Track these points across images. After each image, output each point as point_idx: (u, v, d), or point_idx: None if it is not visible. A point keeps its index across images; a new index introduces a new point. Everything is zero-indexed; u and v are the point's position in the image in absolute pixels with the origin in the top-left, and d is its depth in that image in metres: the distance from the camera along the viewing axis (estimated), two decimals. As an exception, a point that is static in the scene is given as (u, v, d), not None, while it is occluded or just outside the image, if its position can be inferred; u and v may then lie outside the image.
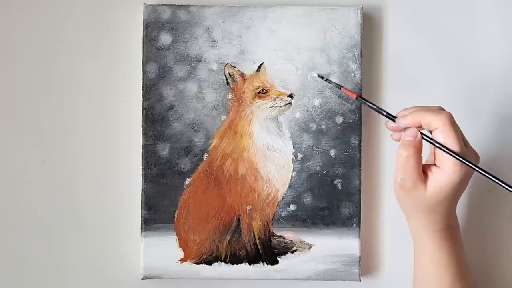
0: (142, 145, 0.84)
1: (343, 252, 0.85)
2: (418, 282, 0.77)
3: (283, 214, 0.85)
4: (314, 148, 0.85)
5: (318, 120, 0.85)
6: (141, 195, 0.84)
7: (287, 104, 0.85)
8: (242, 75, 0.85)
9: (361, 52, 0.85)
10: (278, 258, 0.85)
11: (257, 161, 0.85)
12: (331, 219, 0.85)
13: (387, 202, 0.87)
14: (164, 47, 0.85)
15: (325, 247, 0.85)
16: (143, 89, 0.84)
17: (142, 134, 0.84)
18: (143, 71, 0.84)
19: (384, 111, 0.72)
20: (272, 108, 0.85)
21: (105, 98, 0.86)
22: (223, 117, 0.85)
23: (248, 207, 0.85)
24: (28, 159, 0.86)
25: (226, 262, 0.85)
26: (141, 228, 0.84)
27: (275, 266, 0.85)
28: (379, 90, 0.87)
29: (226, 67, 0.85)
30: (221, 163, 0.85)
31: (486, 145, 0.87)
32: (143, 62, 0.85)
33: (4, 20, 0.86)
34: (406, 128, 0.70)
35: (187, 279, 0.85)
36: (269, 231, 0.85)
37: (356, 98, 0.74)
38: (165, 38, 0.85)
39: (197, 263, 0.85)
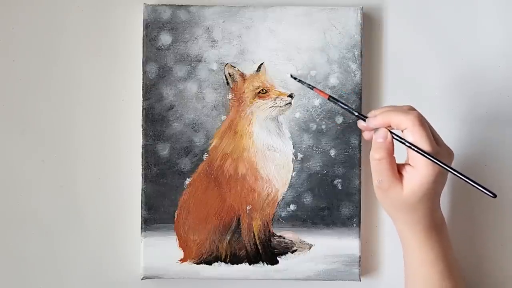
0: (142, 145, 0.84)
1: (343, 252, 0.85)
2: (408, 282, 0.77)
3: (283, 214, 0.85)
4: (314, 148, 0.85)
5: (318, 120, 0.85)
6: (141, 195, 0.84)
7: (287, 104, 0.85)
8: (242, 75, 0.85)
9: (361, 52, 0.85)
10: (278, 258, 0.85)
11: (257, 161, 0.85)
12: (331, 219, 0.85)
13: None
14: (164, 47, 0.85)
15: (325, 247, 0.85)
16: (143, 89, 0.84)
17: (142, 134, 0.84)
18: (143, 71, 0.84)
19: (355, 111, 0.73)
20: (272, 108, 0.85)
21: (105, 98, 0.86)
22: (223, 117, 0.85)
23: (248, 207, 0.85)
24: (28, 159, 0.86)
25: (226, 262, 0.85)
26: (141, 228, 0.84)
27: (275, 266, 0.85)
28: (379, 90, 0.87)
29: (226, 67, 0.85)
30: (221, 163, 0.85)
31: (486, 145, 0.87)
32: (143, 62, 0.85)
33: (4, 20, 0.86)
34: (376, 129, 0.71)
35: (187, 279, 0.85)
36: (269, 231, 0.85)
37: (328, 98, 0.74)
38: (165, 38, 0.85)
39: (197, 263, 0.85)
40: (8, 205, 0.86)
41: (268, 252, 0.85)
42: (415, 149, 0.68)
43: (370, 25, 0.87)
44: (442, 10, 0.87)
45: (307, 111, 0.85)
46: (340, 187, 0.85)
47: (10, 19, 0.86)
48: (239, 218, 0.85)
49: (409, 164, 0.70)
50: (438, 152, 0.68)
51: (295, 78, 0.80)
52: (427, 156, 0.67)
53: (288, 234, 0.85)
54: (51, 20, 0.86)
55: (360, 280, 0.85)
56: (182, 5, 0.85)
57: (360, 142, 0.85)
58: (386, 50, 0.87)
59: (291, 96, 0.85)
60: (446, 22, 0.87)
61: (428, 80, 0.87)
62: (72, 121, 0.86)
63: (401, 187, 0.70)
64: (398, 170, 0.71)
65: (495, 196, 0.66)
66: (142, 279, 0.84)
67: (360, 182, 0.85)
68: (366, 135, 0.74)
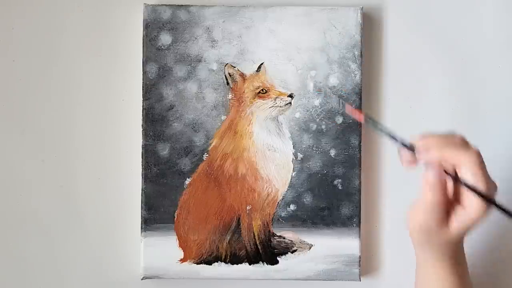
0: (142, 145, 0.84)
1: (343, 252, 0.85)
2: None
3: (283, 214, 0.85)
4: (314, 148, 0.85)
5: (318, 120, 0.85)
6: (141, 195, 0.84)
7: (287, 104, 0.85)
8: (242, 75, 0.85)
9: (361, 52, 0.85)
10: (278, 258, 0.85)
11: (257, 161, 0.85)
12: (331, 219, 0.85)
13: (387, 202, 0.87)
14: (164, 47, 0.85)
15: (325, 247, 0.85)
16: (143, 89, 0.84)
17: (142, 134, 0.84)
18: (143, 71, 0.84)
19: (400, 139, 0.65)
20: (272, 108, 0.85)
21: (105, 98, 0.86)
22: (223, 117, 0.85)
23: (248, 207, 0.85)
24: (28, 159, 0.86)
25: (226, 262, 0.85)
26: (141, 228, 0.84)
27: (275, 266, 0.85)
28: (379, 90, 0.87)
29: (226, 67, 0.85)
30: (221, 163, 0.85)
31: (486, 146, 0.87)
32: (143, 62, 0.85)
33: (4, 20, 0.86)
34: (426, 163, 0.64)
35: (187, 279, 0.85)
36: (269, 231, 0.85)
37: (364, 120, 0.68)
38: (165, 38, 0.85)
39: (197, 263, 0.85)
40: (8, 205, 0.86)
41: (268, 252, 0.85)
42: (474, 191, 0.62)
43: (370, 25, 0.87)
44: (442, 10, 0.87)
45: (307, 111, 0.85)
46: (340, 187, 0.85)
47: (10, 19, 0.86)
48: (239, 218, 0.85)
49: (458, 203, 0.64)
50: (493, 191, 0.64)
51: (342, 102, 0.73)
52: (486, 199, 0.62)
53: (288, 234, 0.85)
54: (51, 20, 0.86)
55: (360, 280, 0.85)
56: (182, 5, 0.85)
57: (360, 142, 0.85)
58: (386, 50, 0.87)
59: (291, 96, 0.85)
60: (446, 22, 0.87)
61: (428, 80, 0.87)
62: (72, 121, 0.86)
63: (447, 227, 0.65)
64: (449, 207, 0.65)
65: None
66: (142, 279, 0.84)
67: (360, 182, 0.85)
68: (406, 159, 0.65)
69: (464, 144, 0.64)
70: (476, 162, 0.63)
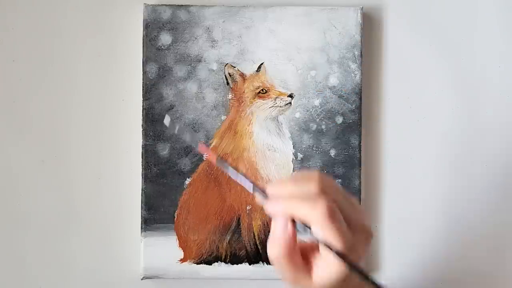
0: (142, 145, 0.84)
1: (343, 252, 0.84)
2: None
3: (283, 214, 0.85)
4: (314, 148, 0.85)
5: (318, 120, 0.85)
6: (141, 195, 0.84)
7: (287, 104, 0.85)
8: (242, 75, 0.85)
9: (361, 52, 0.85)
10: (278, 258, 0.85)
11: (257, 161, 0.85)
12: (331, 219, 0.85)
13: (387, 202, 0.87)
14: (164, 47, 0.85)
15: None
16: (143, 89, 0.84)
17: (142, 134, 0.84)
18: (143, 71, 0.84)
19: (251, 182, 0.59)
20: (272, 108, 0.85)
21: (105, 98, 0.86)
22: (223, 117, 0.85)
23: (248, 207, 0.85)
24: (28, 159, 0.86)
25: (226, 262, 0.85)
26: (141, 228, 0.84)
27: (275, 266, 0.85)
28: (379, 90, 0.87)
29: (226, 67, 0.85)
30: (221, 163, 0.85)
31: (486, 146, 0.87)
32: (143, 62, 0.85)
33: (4, 20, 0.86)
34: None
35: (187, 279, 0.85)
36: (269, 231, 0.85)
37: (216, 161, 0.63)
38: (165, 38, 0.85)
39: (197, 263, 0.85)
40: (8, 205, 0.86)
41: (268, 252, 0.85)
42: (324, 246, 0.56)
43: (370, 25, 0.87)
44: (442, 10, 0.87)
45: (307, 111, 0.85)
46: (340, 187, 0.85)
47: (10, 19, 0.86)
48: (239, 218, 0.85)
49: (319, 253, 0.57)
50: (352, 244, 0.56)
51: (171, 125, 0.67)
52: (337, 254, 0.55)
53: (288, 234, 0.85)
54: (51, 20, 0.86)
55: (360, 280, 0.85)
56: (182, 5, 0.85)
57: (360, 142, 0.85)
58: (386, 50, 0.87)
59: (291, 96, 0.85)
60: (446, 22, 0.87)
61: (428, 80, 0.87)
62: (72, 121, 0.86)
63: (310, 278, 0.57)
64: (306, 252, 0.59)
65: None
66: (142, 279, 0.84)
67: (360, 182, 0.85)
68: (259, 201, 0.59)
69: (315, 195, 0.56)
70: (323, 217, 0.55)
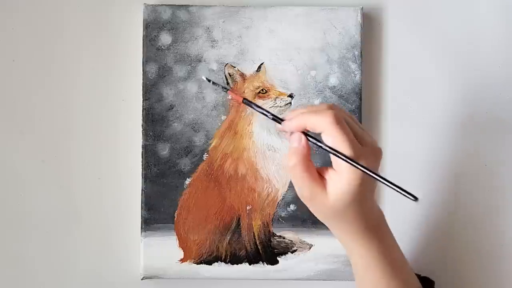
0: (142, 145, 0.84)
1: (343, 252, 0.84)
2: (358, 285, 0.71)
3: (283, 214, 0.85)
4: (314, 148, 0.85)
5: (318, 120, 0.85)
6: (141, 195, 0.84)
7: (287, 104, 0.85)
8: (242, 75, 0.85)
9: (361, 52, 0.85)
10: (278, 258, 0.85)
11: (257, 161, 0.85)
12: (331, 219, 0.85)
13: (387, 202, 0.87)
14: (164, 47, 0.85)
15: (325, 247, 0.85)
16: (143, 89, 0.84)
17: (142, 134, 0.84)
18: (143, 71, 0.84)
19: (270, 113, 0.66)
20: (272, 108, 0.85)
21: (105, 98, 0.86)
22: (223, 117, 0.85)
23: (248, 207, 0.85)
24: (28, 159, 0.86)
25: (226, 262, 0.85)
26: (141, 228, 0.84)
27: (275, 266, 0.85)
28: (379, 90, 0.87)
29: (226, 67, 0.85)
30: (221, 163, 0.85)
31: (486, 145, 0.87)
32: (143, 62, 0.85)
33: (4, 20, 0.86)
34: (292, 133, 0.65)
35: (187, 279, 0.85)
36: (269, 231, 0.85)
37: (242, 101, 0.68)
38: (165, 38, 0.85)
39: (197, 263, 0.85)
40: (8, 205, 0.86)
41: (268, 252, 0.85)
42: (334, 153, 0.61)
43: (370, 25, 0.87)
44: (442, 10, 0.87)
45: (307, 111, 0.85)
46: (340, 187, 0.85)
47: (10, 19, 0.86)
48: (239, 218, 0.85)
49: (332, 168, 0.63)
50: (361, 154, 0.62)
51: (209, 80, 0.71)
52: (347, 160, 0.61)
53: (288, 234, 0.85)
54: (51, 20, 0.86)
55: (360, 280, 0.85)
56: (182, 5, 0.85)
57: (360, 142, 0.85)
58: (386, 50, 0.87)
59: (291, 96, 0.85)
60: (446, 22, 0.87)
61: (428, 80, 0.87)
62: (72, 121, 0.86)
63: (325, 194, 0.63)
64: (321, 174, 0.64)
65: (416, 199, 0.60)
66: (142, 279, 0.84)
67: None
68: (277, 129, 0.69)
69: (324, 109, 0.63)
70: (331, 124, 0.61)
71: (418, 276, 0.75)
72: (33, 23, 0.86)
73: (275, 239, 0.85)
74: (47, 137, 0.86)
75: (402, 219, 0.87)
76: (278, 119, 0.66)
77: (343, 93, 0.85)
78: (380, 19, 0.87)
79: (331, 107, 0.63)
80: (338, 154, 0.61)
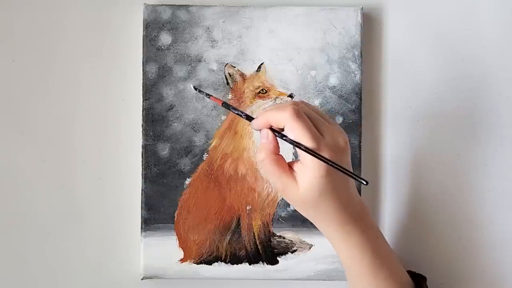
0: (142, 145, 0.84)
1: (343, 252, 0.85)
2: (348, 282, 0.74)
3: (283, 214, 0.85)
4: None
5: (318, 120, 0.85)
6: (141, 195, 0.84)
7: (287, 104, 0.85)
8: (242, 75, 0.85)
9: (361, 52, 0.85)
10: (278, 258, 0.85)
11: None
12: (331, 219, 0.85)
13: (387, 202, 0.87)
14: (164, 47, 0.85)
15: (325, 247, 0.85)
16: (143, 89, 0.84)
17: (142, 134, 0.84)
18: (143, 71, 0.84)
19: (244, 113, 0.71)
20: (272, 108, 0.85)
21: (105, 98, 0.86)
22: (223, 117, 0.85)
23: (248, 207, 0.85)
24: (28, 159, 0.86)
25: (226, 262, 0.85)
26: (141, 228, 0.84)
27: (275, 266, 0.85)
28: (379, 90, 0.87)
29: (226, 67, 0.85)
30: (221, 163, 0.85)
31: (486, 145, 0.87)
32: (143, 62, 0.85)
33: (4, 20, 0.86)
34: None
35: (187, 279, 0.85)
36: (269, 231, 0.85)
37: (221, 104, 0.73)
38: (165, 38, 0.85)
39: (197, 263, 0.85)
40: (8, 205, 0.86)
41: (268, 252, 0.85)
42: (297, 145, 0.65)
43: (370, 25, 0.87)
44: (442, 10, 0.87)
45: (307, 111, 0.85)
46: (340, 187, 0.85)
47: (10, 19, 0.86)
48: (239, 218, 0.85)
49: (300, 161, 0.67)
50: (321, 144, 0.65)
51: (195, 89, 0.79)
52: (308, 151, 0.64)
53: (288, 234, 0.85)
54: (51, 20, 0.86)
55: (360, 280, 0.85)
56: (182, 5, 0.85)
57: (360, 142, 0.85)
58: (386, 50, 0.87)
59: (291, 96, 0.85)
60: (446, 22, 0.87)
61: (428, 80, 0.87)
62: (72, 121, 0.86)
63: (296, 186, 0.66)
64: (292, 167, 0.68)
65: (367, 183, 0.63)
66: (142, 279, 0.84)
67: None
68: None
69: (286, 105, 0.67)
70: (290, 118, 0.65)
71: (413, 273, 0.76)
72: (33, 23, 0.86)
73: (275, 239, 0.85)
74: (47, 137, 0.86)
75: (402, 219, 0.87)
76: (249, 118, 0.70)
77: (343, 93, 0.85)
78: (380, 19, 0.87)
79: (294, 103, 0.67)
80: (301, 147, 0.65)
